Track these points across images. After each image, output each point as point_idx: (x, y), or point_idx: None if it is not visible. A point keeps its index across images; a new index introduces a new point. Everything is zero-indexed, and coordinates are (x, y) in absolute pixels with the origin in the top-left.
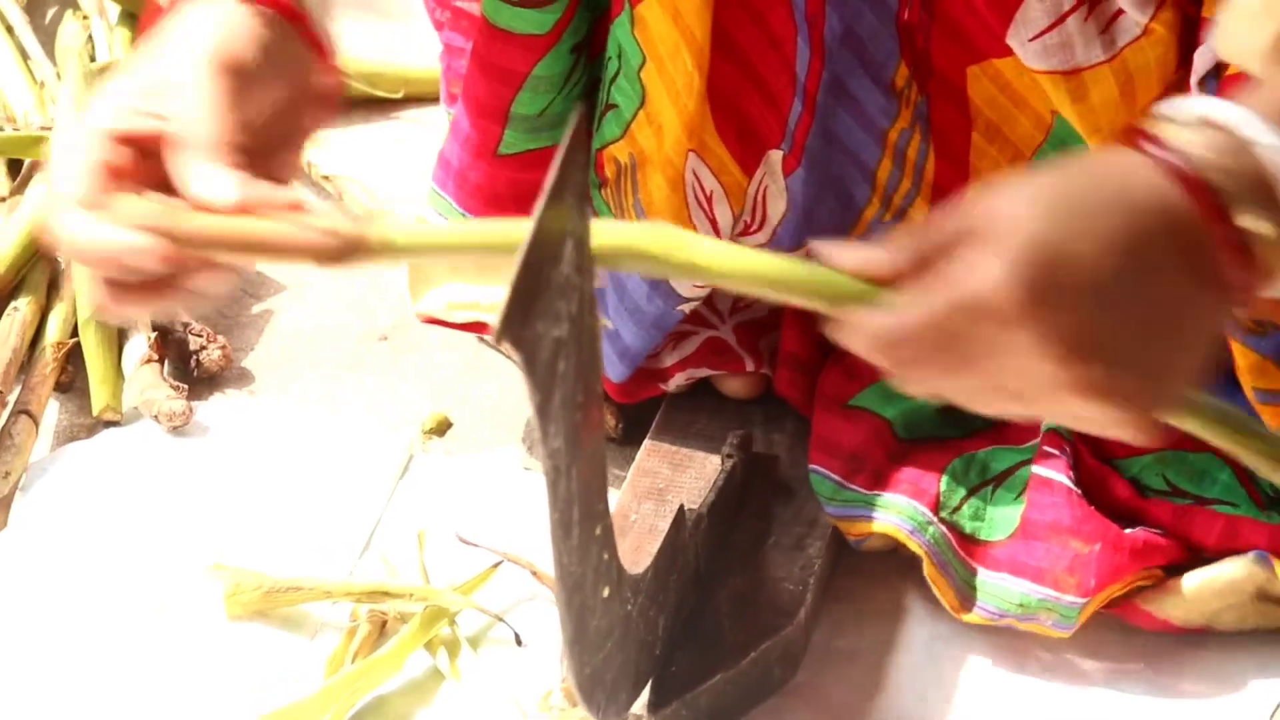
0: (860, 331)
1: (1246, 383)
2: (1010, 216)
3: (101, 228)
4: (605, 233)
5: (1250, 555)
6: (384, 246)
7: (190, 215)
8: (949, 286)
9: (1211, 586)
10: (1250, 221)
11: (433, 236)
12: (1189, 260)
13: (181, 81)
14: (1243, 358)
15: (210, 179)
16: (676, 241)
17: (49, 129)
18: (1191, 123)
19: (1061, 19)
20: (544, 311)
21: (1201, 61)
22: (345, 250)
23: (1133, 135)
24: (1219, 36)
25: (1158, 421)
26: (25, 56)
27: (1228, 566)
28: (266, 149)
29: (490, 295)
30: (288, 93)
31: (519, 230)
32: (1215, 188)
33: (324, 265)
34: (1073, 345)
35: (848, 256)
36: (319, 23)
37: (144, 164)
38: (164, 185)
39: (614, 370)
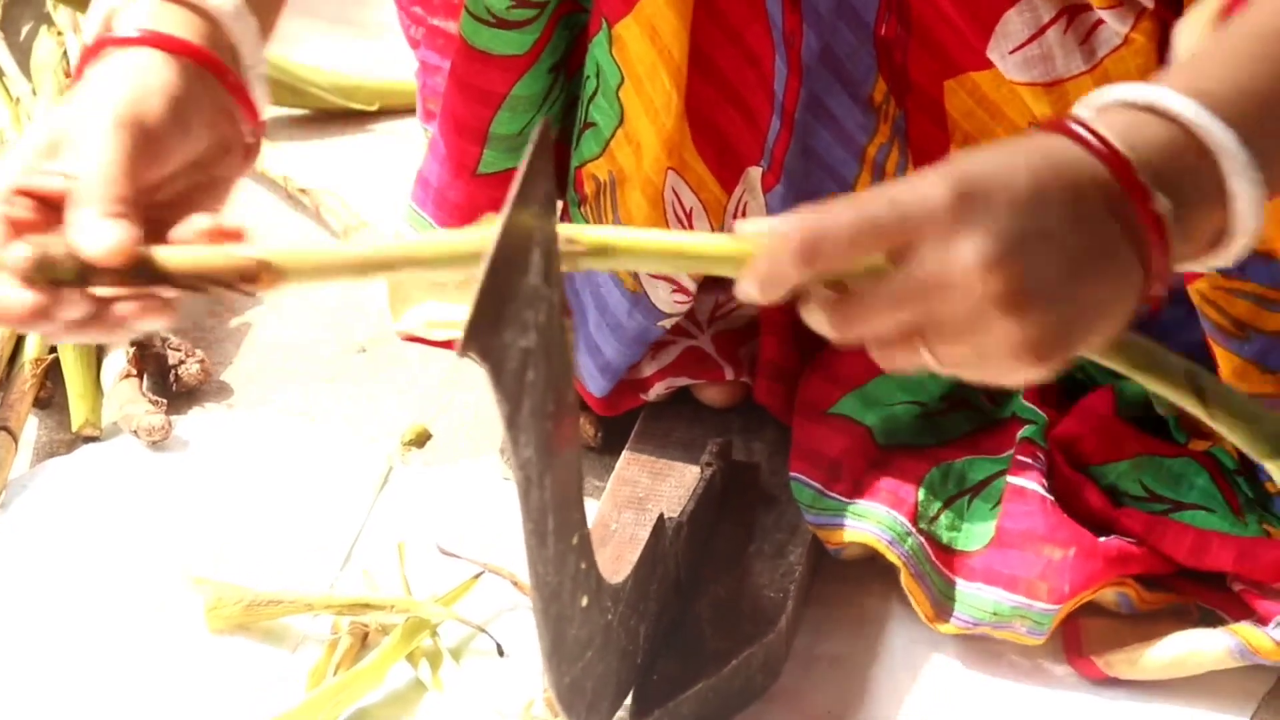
0: (772, 255)
1: None
2: (941, 169)
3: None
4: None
5: (1228, 646)
6: (284, 272)
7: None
8: (875, 194)
9: (1189, 662)
10: (1163, 202)
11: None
12: (1114, 210)
13: (83, 137)
14: (1226, 362)
15: (93, 230)
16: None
17: None
18: (1111, 107)
19: (1041, 31)
20: (511, 321)
21: None
22: (254, 270)
23: (1055, 122)
24: (1179, 46)
25: (1066, 360)
26: (0, 73)
27: (1208, 645)
28: (183, 200)
29: (449, 310)
30: (203, 145)
31: (475, 241)
32: (1135, 162)
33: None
34: (998, 249)
35: (749, 229)
36: (246, 71)
37: (49, 216)
38: None
39: (595, 384)
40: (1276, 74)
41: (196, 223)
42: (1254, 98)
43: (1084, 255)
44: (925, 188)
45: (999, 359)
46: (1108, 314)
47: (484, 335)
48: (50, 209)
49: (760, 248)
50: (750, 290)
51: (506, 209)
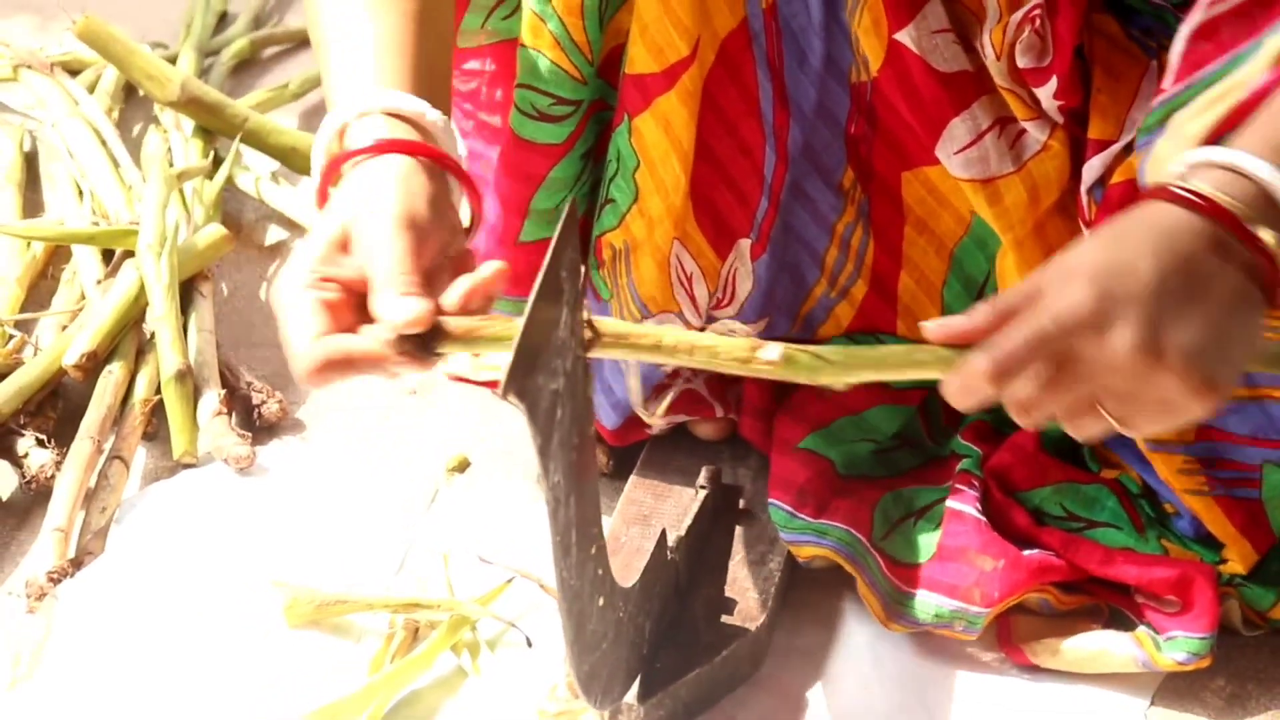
0: (966, 376)
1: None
2: (1069, 263)
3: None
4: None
5: (1134, 656)
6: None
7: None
8: (1038, 313)
9: (1101, 660)
10: (1266, 234)
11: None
12: (1227, 254)
13: (371, 236)
14: (1164, 465)
15: (399, 305)
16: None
17: (136, 224)
18: (1199, 167)
19: (980, 136)
20: (543, 368)
21: (1090, 174)
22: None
23: (1153, 190)
24: (1148, 175)
25: (1231, 384)
26: (116, 164)
27: (1118, 650)
28: (432, 277)
29: (504, 358)
30: (448, 231)
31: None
32: (1232, 209)
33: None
34: (1151, 330)
35: (937, 332)
36: (460, 160)
37: (350, 298)
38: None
39: (608, 419)
40: None
41: (460, 285)
42: None
43: (1215, 306)
44: (1071, 295)
45: (1176, 409)
46: (1247, 338)
47: (521, 380)
48: (348, 291)
49: (955, 366)
50: (951, 400)
51: (540, 278)
